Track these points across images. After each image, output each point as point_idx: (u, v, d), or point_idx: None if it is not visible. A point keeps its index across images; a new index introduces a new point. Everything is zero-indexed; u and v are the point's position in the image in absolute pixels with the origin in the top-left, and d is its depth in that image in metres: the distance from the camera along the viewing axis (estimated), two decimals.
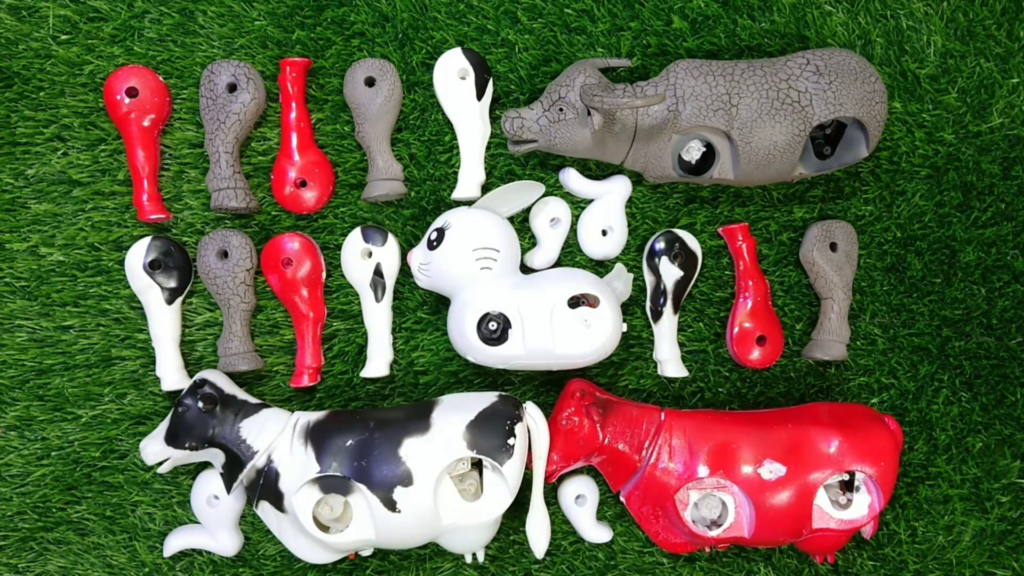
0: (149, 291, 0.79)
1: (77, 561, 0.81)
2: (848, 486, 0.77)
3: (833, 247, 0.82)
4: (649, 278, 0.82)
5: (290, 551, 0.77)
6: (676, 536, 0.79)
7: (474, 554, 0.80)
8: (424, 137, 0.83)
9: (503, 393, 0.76)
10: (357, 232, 0.81)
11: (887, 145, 0.85)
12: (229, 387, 0.76)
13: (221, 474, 0.75)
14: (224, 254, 0.80)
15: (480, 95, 0.82)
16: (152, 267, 0.79)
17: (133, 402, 0.81)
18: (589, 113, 0.75)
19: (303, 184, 0.81)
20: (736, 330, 0.82)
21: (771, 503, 0.75)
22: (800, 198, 0.85)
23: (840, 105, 0.76)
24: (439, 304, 0.83)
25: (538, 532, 0.75)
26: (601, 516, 0.83)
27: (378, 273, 0.80)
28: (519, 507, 0.79)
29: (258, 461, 0.74)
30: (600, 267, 0.84)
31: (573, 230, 0.83)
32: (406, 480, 0.72)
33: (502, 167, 0.83)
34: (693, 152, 0.80)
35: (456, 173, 0.82)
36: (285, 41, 0.82)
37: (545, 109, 0.77)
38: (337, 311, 0.83)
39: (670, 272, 0.81)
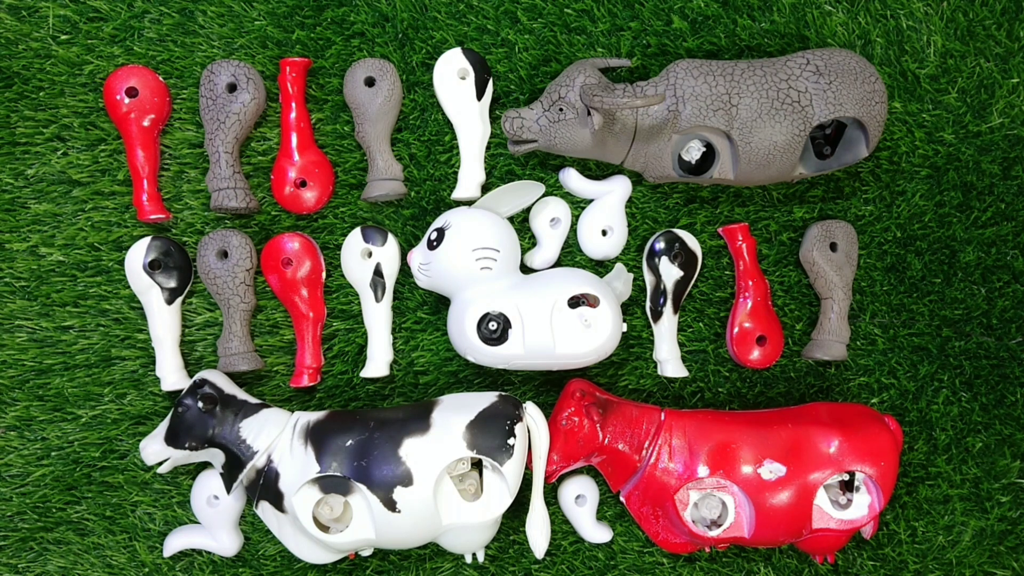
0: (149, 291, 0.79)
1: (77, 561, 0.81)
2: (848, 486, 0.77)
3: (833, 247, 0.82)
4: (649, 278, 0.82)
5: (290, 551, 0.77)
6: (676, 536, 0.79)
7: (474, 554, 0.80)
8: (424, 137, 0.83)
9: (503, 393, 0.76)
10: (357, 232, 0.81)
11: (887, 145, 0.84)
12: (229, 387, 0.76)
13: (221, 474, 0.75)
14: (224, 254, 0.80)
15: (480, 95, 0.82)
16: (152, 267, 0.79)
17: (133, 402, 0.81)
18: (589, 113, 0.75)
19: (303, 184, 0.81)
20: (736, 330, 0.82)
21: (771, 503, 0.75)
22: (800, 198, 0.85)
23: (840, 105, 0.76)
24: (439, 304, 0.83)
25: (538, 532, 0.75)
26: (601, 516, 0.83)
27: (378, 273, 0.80)
28: (519, 507, 0.79)
29: (258, 461, 0.74)
30: (600, 267, 0.84)
31: (573, 230, 0.83)
32: (406, 480, 0.72)
33: (502, 167, 0.83)
34: (693, 152, 0.79)
35: (456, 173, 0.82)
36: (285, 41, 0.82)
37: (545, 109, 0.77)
38: (337, 311, 0.83)
39: (670, 272, 0.81)
